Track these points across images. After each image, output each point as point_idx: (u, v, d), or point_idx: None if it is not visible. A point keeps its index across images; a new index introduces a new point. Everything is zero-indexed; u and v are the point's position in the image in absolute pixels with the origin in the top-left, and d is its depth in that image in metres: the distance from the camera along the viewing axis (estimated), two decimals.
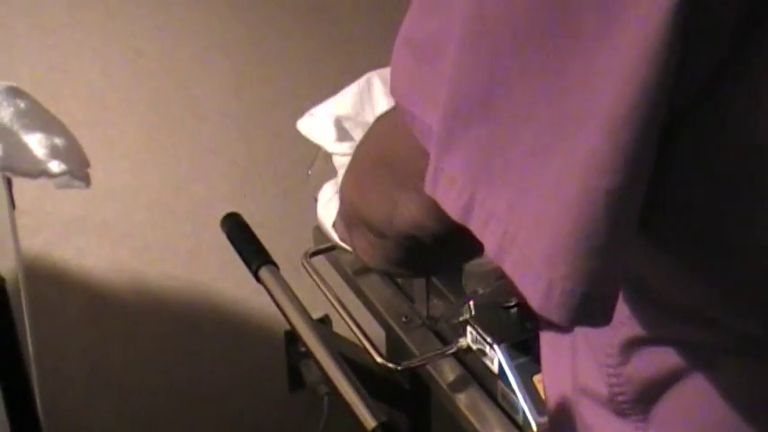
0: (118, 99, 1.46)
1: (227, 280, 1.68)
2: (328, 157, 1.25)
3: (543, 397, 0.96)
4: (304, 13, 1.55)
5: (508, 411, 0.98)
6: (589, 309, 0.47)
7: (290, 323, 1.15)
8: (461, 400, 1.02)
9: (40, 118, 0.59)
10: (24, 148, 0.58)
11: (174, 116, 1.51)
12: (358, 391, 1.01)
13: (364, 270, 1.25)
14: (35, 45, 1.36)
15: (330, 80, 1.56)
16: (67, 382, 1.63)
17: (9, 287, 0.73)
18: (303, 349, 1.89)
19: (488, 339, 0.99)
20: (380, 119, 0.73)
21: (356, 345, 1.16)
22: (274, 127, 1.58)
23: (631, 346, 0.60)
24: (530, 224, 0.47)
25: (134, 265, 1.58)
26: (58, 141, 0.58)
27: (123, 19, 1.42)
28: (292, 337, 1.85)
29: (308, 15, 1.55)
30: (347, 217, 0.79)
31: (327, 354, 1.07)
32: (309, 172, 1.25)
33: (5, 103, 0.57)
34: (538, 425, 0.94)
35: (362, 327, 1.11)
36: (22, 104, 0.58)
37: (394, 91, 0.58)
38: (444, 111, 0.52)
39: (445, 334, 1.09)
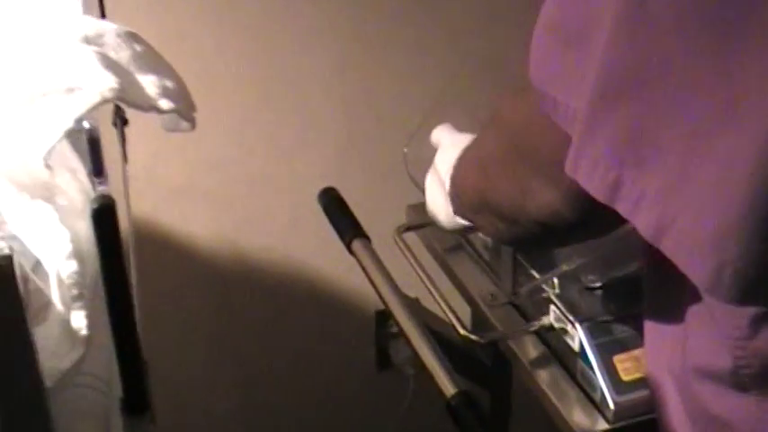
0: (229, 73, 1.52)
1: (323, 256, 1.73)
2: (425, 136, 1.28)
3: (625, 377, 0.97)
4: None
5: (587, 390, 1.00)
6: (757, 289, 0.48)
7: (379, 295, 1.19)
8: (541, 376, 1.04)
9: (155, 62, 0.64)
10: (138, 86, 0.63)
11: (278, 93, 1.56)
12: (441, 361, 1.05)
13: (454, 248, 1.28)
14: (154, 15, 1.43)
15: (433, 67, 1.59)
16: (165, 343, 1.70)
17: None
18: (393, 329, 1.94)
19: (570, 318, 1.01)
20: (505, 108, 0.74)
21: (443, 321, 1.19)
22: (375, 108, 1.62)
23: (761, 320, 0.59)
24: (693, 205, 0.48)
25: (234, 235, 1.64)
26: (169, 84, 0.62)
27: None
28: (383, 316, 1.89)
29: (413, 1, 1.58)
30: (470, 203, 0.81)
31: (414, 325, 1.11)
32: (405, 150, 1.28)
33: (124, 45, 0.62)
34: (615, 404, 0.95)
35: (450, 303, 1.13)
36: (139, 48, 0.63)
37: (536, 78, 0.60)
38: (592, 93, 0.52)
39: (529, 312, 1.11)
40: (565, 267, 1.02)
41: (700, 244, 0.48)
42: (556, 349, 1.06)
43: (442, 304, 1.13)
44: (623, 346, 0.98)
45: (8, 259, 0.57)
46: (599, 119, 0.52)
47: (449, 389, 0.99)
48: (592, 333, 0.99)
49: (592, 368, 0.98)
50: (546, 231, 0.70)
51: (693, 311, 0.66)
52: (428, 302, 1.24)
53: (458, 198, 0.90)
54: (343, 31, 1.55)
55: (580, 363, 1.00)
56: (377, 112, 1.62)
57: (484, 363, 1.21)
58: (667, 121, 0.48)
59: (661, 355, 0.74)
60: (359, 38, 1.57)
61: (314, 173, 1.63)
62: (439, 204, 0.98)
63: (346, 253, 1.25)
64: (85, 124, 0.60)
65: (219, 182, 1.59)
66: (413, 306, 1.16)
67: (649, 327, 0.76)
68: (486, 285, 1.19)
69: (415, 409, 1.89)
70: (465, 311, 1.24)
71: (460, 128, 1.25)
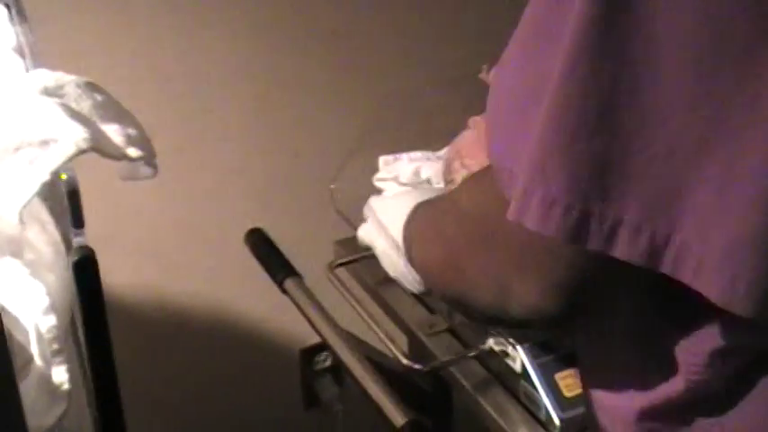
0: (145, 121, 1.52)
1: (248, 298, 1.73)
2: (350, 172, 1.31)
3: (568, 393, 1.01)
4: (322, 39, 1.61)
5: (531, 409, 1.03)
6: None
7: (317, 331, 1.20)
8: (485, 399, 1.07)
9: (116, 110, 0.64)
10: (104, 136, 0.63)
11: (198, 137, 1.56)
12: (387, 391, 1.06)
13: (386, 281, 1.30)
14: (68, 68, 1.42)
15: (346, 102, 1.62)
16: None
17: None
18: (318, 367, 1.95)
19: (510, 340, 1.04)
20: (462, 200, 0.72)
21: (379, 352, 1.21)
22: (294, 146, 1.64)
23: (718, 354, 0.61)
24: (691, 220, 0.49)
25: (159, 283, 1.63)
26: (131, 131, 0.63)
27: (150, 44, 1.48)
28: (308, 354, 1.89)
29: (326, 40, 1.61)
30: (442, 295, 0.80)
31: (356, 358, 1.12)
32: (332, 186, 1.30)
33: (84, 96, 0.62)
34: (561, 420, 0.99)
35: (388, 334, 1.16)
36: (99, 98, 0.64)
37: (493, 154, 0.59)
38: (543, 135, 0.50)
39: (466, 339, 1.14)
40: None
41: (707, 259, 0.49)
42: (497, 373, 1.09)
43: (381, 335, 1.15)
44: (563, 364, 1.02)
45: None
46: (552, 158, 0.50)
47: (398, 419, 1.01)
48: (532, 353, 1.02)
49: (535, 387, 1.01)
50: (528, 325, 0.70)
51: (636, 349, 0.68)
52: (363, 336, 1.25)
53: (423, 279, 0.89)
54: (259, 74, 1.57)
55: (523, 383, 1.03)
56: (296, 149, 1.64)
57: (424, 390, 1.23)
58: (639, 146, 0.48)
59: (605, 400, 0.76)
60: (274, 80, 1.59)
61: (238, 215, 1.63)
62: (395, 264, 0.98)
63: (269, 294, 1.26)
64: (63, 176, 0.60)
65: (141, 230, 1.58)
66: (351, 339, 1.17)
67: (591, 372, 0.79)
68: (422, 315, 1.21)
69: None
70: (401, 342, 1.26)
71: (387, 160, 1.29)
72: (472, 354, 1.08)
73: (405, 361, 1.10)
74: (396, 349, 1.11)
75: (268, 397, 1.89)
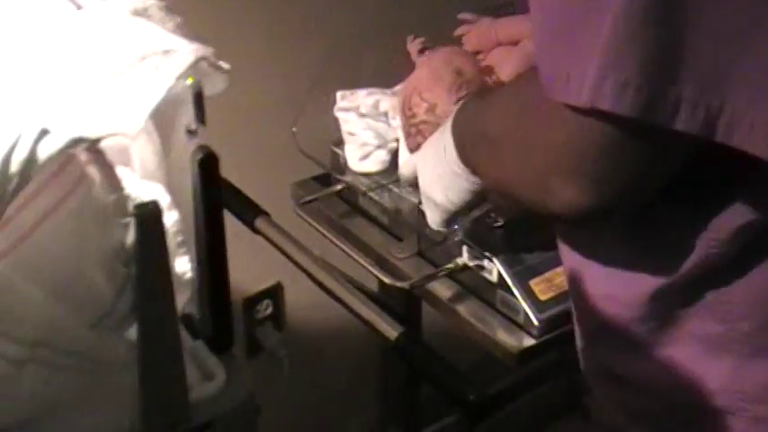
0: None
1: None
2: (310, 112, 1.37)
3: (542, 297, 1.11)
4: None
5: (509, 315, 1.12)
6: None
7: (294, 262, 1.26)
8: (464, 311, 1.16)
9: (191, 32, 0.69)
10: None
11: None
12: (374, 310, 1.14)
13: (348, 214, 1.37)
14: None
15: (299, 46, 1.66)
16: None
17: None
18: (260, 315, 2.01)
19: (486, 254, 1.13)
20: (513, 95, 0.77)
21: (352, 278, 1.28)
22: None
23: None
24: (742, 89, 0.58)
25: None
26: (207, 48, 0.67)
27: None
28: (251, 303, 1.95)
29: None
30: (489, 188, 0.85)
31: (339, 281, 1.19)
32: (294, 129, 1.35)
33: (167, 18, 0.66)
34: (539, 320, 1.09)
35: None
36: (178, 19, 0.68)
37: (548, 63, 0.64)
38: (615, 23, 0.57)
39: (437, 260, 1.22)
40: (477, 213, 1.13)
41: (759, 122, 0.58)
42: (469, 286, 1.18)
43: (360, 259, 1.23)
44: (535, 271, 1.12)
45: (156, 204, 0.66)
46: (624, 45, 0.58)
47: (391, 332, 1.09)
48: (508, 264, 1.12)
49: (513, 294, 1.11)
50: (568, 221, 0.76)
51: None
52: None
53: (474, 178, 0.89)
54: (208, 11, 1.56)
55: (500, 292, 1.13)
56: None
57: (397, 311, 1.31)
58: (694, 31, 0.57)
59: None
60: (227, 18, 1.58)
61: None
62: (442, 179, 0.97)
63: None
64: (191, 78, 0.65)
65: None
66: (328, 267, 1.24)
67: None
68: (390, 242, 1.28)
69: (293, 390, 1.96)
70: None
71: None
72: (450, 267, 1.16)
73: (388, 280, 1.18)
74: (377, 270, 1.19)
75: None
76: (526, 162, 0.71)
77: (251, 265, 1.48)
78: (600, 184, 0.65)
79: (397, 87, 1.33)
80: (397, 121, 1.29)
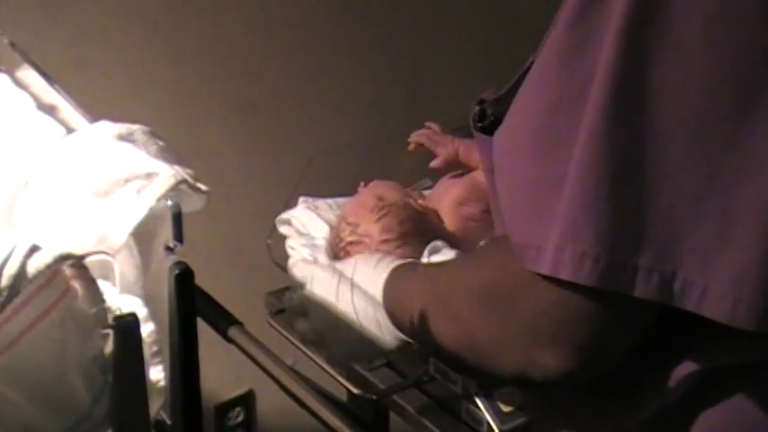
0: None
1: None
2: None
3: (505, 409, 1.14)
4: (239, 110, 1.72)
5: (473, 426, 1.16)
6: None
7: (267, 371, 1.29)
8: (430, 421, 1.19)
9: (174, 154, 0.75)
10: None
11: None
12: (341, 419, 1.17)
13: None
14: None
15: (285, 156, 1.72)
16: None
17: None
18: (232, 423, 2.01)
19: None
20: (481, 271, 0.78)
21: (321, 388, 1.31)
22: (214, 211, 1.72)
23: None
24: (695, 258, 0.60)
25: None
26: (189, 170, 0.73)
27: None
28: (222, 410, 1.96)
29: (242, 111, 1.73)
30: (447, 354, 0.85)
31: (308, 393, 1.22)
32: (269, 241, 1.40)
33: (150, 141, 0.72)
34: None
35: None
36: (161, 142, 0.74)
37: (519, 235, 0.66)
38: (573, 196, 0.60)
39: (405, 371, 1.26)
40: None
41: (711, 288, 0.60)
42: (437, 398, 1.22)
43: (330, 370, 1.26)
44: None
45: (133, 317, 0.69)
46: (579, 218, 0.61)
47: None
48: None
49: (477, 406, 1.14)
50: (549, 386, 0.75)
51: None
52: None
53: (433, 350, 0.92)
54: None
55: (465, 403, 1.16)
56: (215, 215, 1.73)
57: (365, 421, 1.33)
58: (645, 205, 0.60)
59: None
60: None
61: None
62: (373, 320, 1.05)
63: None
64: (169, 201, 0.69)
65: None
66: (298, 377, 1.27)
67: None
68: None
69: None
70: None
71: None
72: (417, 377, 1.20)
73: (356, 390, 1.21)
74: (346, 381, 1.22)
75: None
76: (503, 331, 0.72)
77: (224, 372, 1.51)
78: (581, 349, 0.67)
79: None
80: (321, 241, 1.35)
